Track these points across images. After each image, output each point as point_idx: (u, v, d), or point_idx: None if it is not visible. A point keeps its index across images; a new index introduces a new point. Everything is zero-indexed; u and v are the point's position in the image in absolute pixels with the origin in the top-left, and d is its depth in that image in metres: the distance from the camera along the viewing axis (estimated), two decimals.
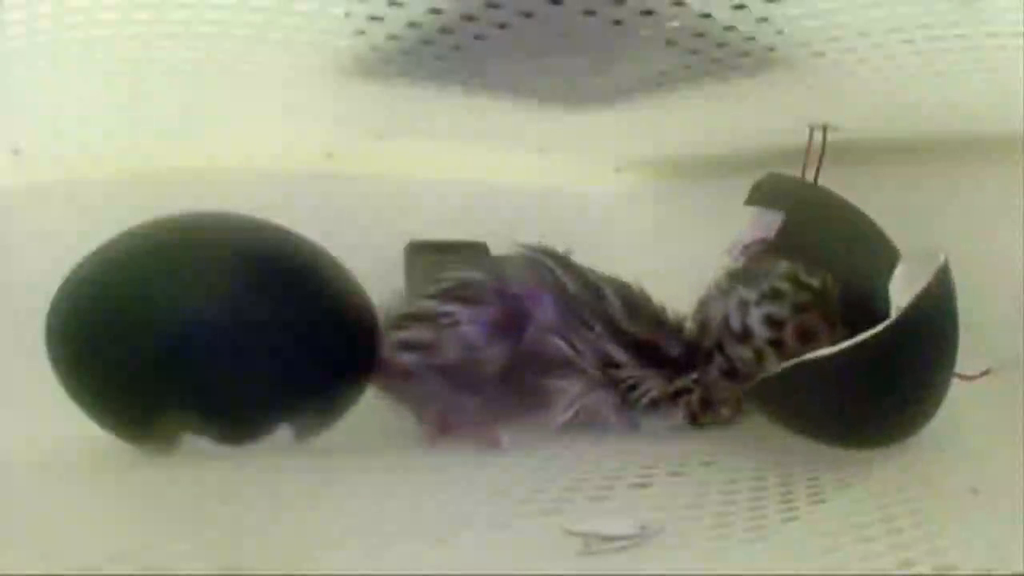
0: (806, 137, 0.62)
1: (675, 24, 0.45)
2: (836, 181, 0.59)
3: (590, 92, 0.59)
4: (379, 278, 0.48)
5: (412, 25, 0.45)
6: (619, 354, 0.45)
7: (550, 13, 0.43)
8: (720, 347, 0.45)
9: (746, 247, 0.53)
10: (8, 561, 0.28)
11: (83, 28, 0.42)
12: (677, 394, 0.45)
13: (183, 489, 0.37)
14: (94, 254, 0.42)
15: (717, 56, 0.49)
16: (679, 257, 0.58)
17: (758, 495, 0.35)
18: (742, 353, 0.45)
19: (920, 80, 0.51)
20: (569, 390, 0.45)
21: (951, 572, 0.26)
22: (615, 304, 0.46)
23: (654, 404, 0.45)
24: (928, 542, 0.29)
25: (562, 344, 0.45)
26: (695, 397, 0.46)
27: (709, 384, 0.46)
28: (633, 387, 0.45)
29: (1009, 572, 0.26)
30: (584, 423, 0.45)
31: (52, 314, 0.41)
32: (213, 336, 0.40)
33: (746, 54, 0.49)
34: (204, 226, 0.44)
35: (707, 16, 0.43)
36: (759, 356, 0.44)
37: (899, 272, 0.44)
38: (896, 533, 0.30)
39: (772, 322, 0.44)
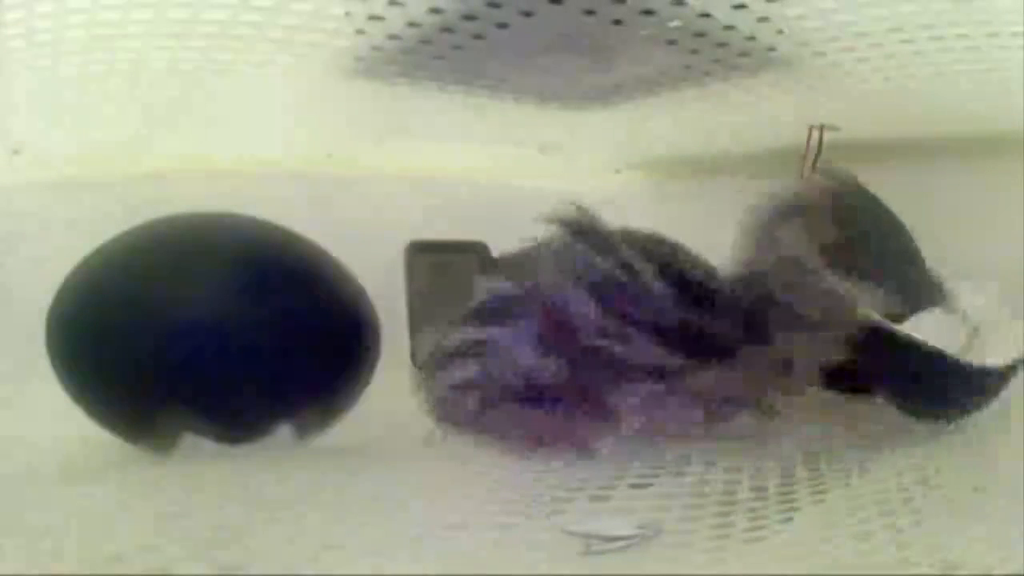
0: (806, 137, 0.62)
1: (675, 24, 0.45)
2: None
3: (590, 92, 0.59)
4: (379, 278, 0.48)
5: (412, 25, 0.45)
6: (671, 349, 0.41)
7: (550, 13, 0.43)
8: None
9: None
10: (8, 561, 0.27)
11: (83, 28, 0.42)
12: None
13: (183, 489, 0.37)
14: (94, 254, 0.42)
15: (717, 56, 0.49)
16: None
17: (758, 495, 0.35)
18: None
19: (920, 80, 0.51)
20: (633, 398, 0.42)
21: (951, 572, 0.26)
22: (657, 288, 0.42)
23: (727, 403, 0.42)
24: (929, 541, 0.29)
25: (614, 344, 0.41)
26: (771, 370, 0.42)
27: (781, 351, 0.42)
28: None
29: (1010, 572, 0.26)
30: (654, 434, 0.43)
31: (52, 314, 0.41)
32: (213, 336, 0.40)
33: (746, 54, 0.49)
34: (204, 226, 0.44)
35: (707, 16, 0.44)
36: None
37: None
38: (896, 532, 0.30)
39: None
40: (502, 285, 0.43)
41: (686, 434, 0.43)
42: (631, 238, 0.44)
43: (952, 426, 0.43)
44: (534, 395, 0.41)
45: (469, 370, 0.42)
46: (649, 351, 0.41)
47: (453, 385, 0.42)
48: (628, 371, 0.42)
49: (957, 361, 0.41)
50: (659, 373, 0.42)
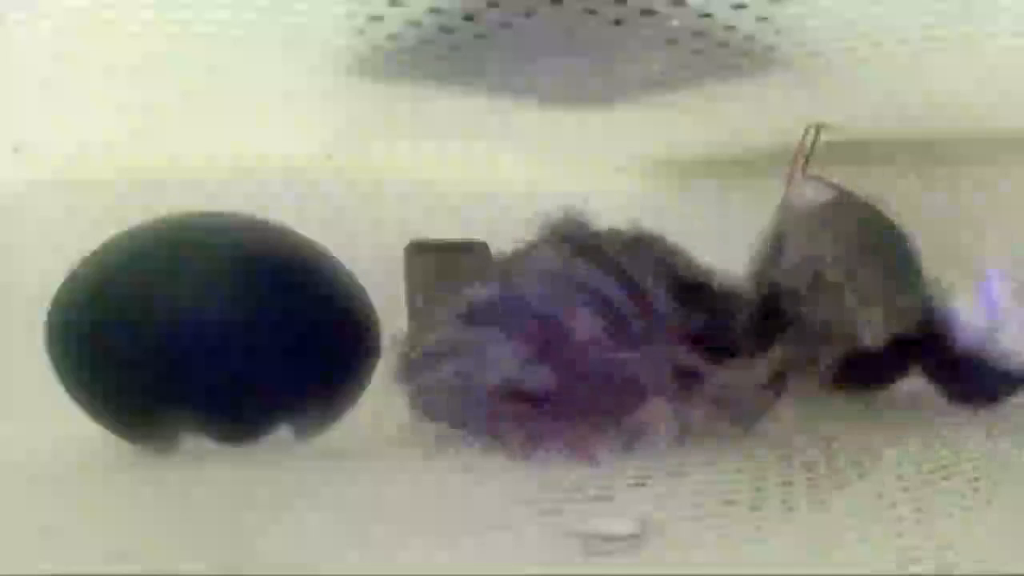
0: (803, 137, 0.62)
1: (675, 23, 0.45)
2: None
3: (590, 92, 0.59)
4: (379, 278, 0.48)
5: (412, 25, 0.45)
6: (690, 358, 0.41)
7: (551, 12, 0.43)
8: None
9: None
10: (8, 561, 0.27)
11: (84, 27, 0.42)
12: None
13: (183, 489, 0.37)
14: (94, 254, 0.42)
15: (717, 56, 0.49)
16: None
17: (758, 495, 0.35)
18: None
19: (920, 80, 0.51)
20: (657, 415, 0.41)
21: (952, 572, 0.26)
22: (662, 299, 0.41)
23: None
24: (929, 540, 0.29)
25: (620, 359, 0.40)
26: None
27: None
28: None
29: (1011, 572, 0.26)
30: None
31: (52, 313, 0.41)
32: (213, 336, 0.40)
33: (746, 54, 0.49)
34: (204, 226, 0.44)
35: (707, 16, 0.43)
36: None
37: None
38: (897, 532, 0.30)
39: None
40: (489, 288, 0.43)
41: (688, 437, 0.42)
42: (624, 241, 0.43)
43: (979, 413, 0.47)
44: (521, 399, 0.41)
45: (446, 371, 0.42)
46: (656, 359, 0.41)
47: (428, 385, 0.42)
48: (628, 384, 0.41)
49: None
50: (666, 382, 0.41)
